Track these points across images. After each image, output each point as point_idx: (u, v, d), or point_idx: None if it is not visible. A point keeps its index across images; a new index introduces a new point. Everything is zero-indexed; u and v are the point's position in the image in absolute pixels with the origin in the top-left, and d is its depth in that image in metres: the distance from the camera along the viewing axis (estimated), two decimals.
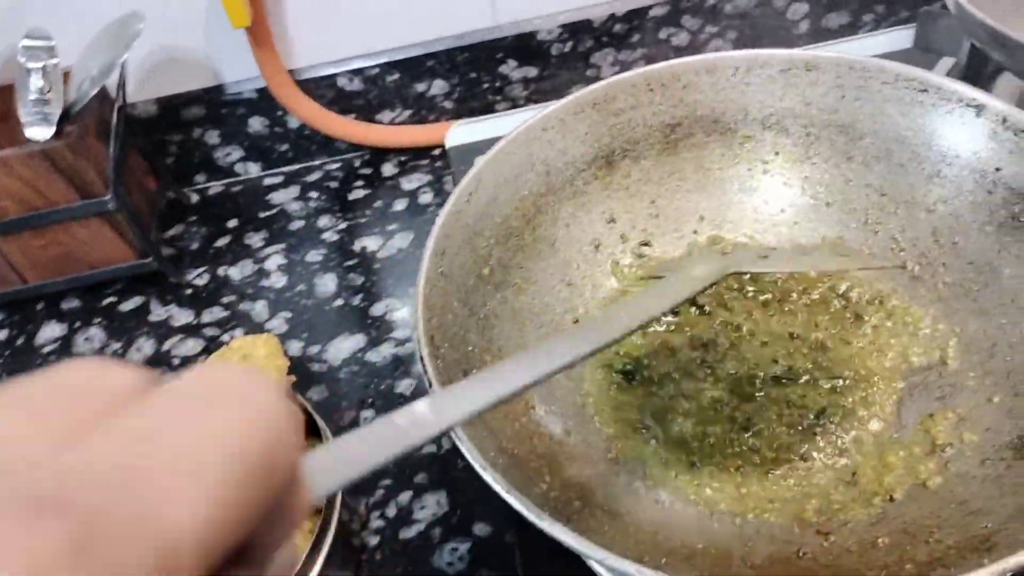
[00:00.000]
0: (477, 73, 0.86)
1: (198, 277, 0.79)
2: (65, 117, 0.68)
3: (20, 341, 0.75)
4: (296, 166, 0.89)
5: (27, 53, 0.68)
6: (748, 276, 0.59)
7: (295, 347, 0.71)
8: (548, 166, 0.58)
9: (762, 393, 0.53)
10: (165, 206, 0.84)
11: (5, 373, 0.74)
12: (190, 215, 0.86)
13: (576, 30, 0.85)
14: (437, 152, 0.87)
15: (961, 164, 0.53)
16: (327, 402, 0.66)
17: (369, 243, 0.79)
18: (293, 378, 0.60)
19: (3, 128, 0.73)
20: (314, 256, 0.79)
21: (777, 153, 0.60)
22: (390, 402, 0.65)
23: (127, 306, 0.77)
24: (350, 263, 0.77)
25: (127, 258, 0.76)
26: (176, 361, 0.71)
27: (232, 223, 0.84)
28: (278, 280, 0.77)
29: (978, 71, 0.73)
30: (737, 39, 0.88)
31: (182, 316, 0.75)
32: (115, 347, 0.73)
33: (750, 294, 0.58)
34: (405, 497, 0.59)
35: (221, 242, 0.82)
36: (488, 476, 0.39)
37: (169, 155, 0.87)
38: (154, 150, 0.85)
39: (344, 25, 0.82)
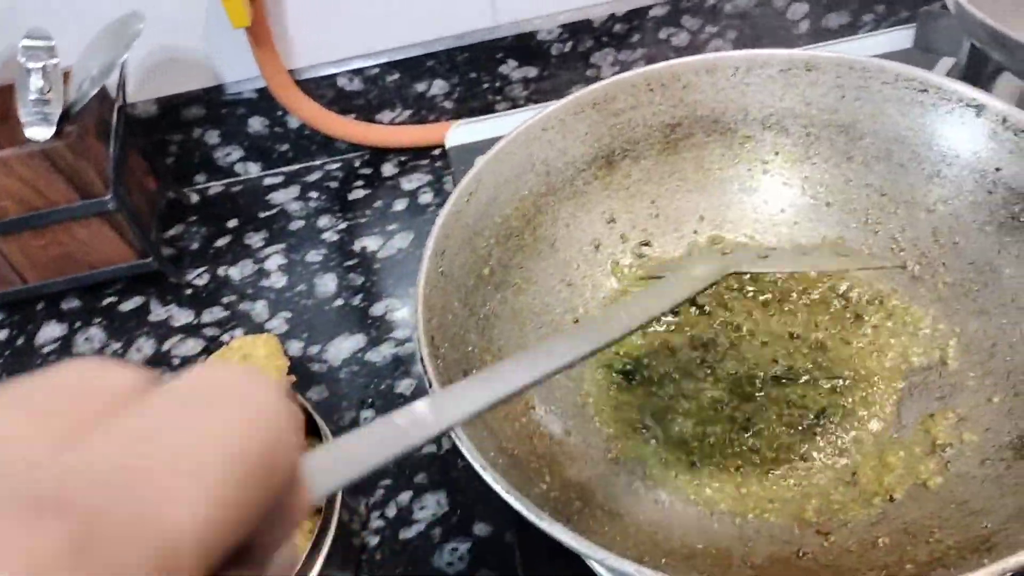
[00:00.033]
0: (477, 73, 0.86)
1: (198, 277, 0.79)
2: (65, 117, 0.68)
3: (20, 341, 0.75)
4: (296, 166, 0.89)
5: (27, 53, 0.68)
6: (748, 276, 0.59)
7: (295, 347, 0.71)
8: (548, 166, 0.58)
9: (762, 393, 0.53)
10: (165, 206, 0.84)
11: (5, 373, 0.74)
12: (190, 215, 0.86)
13: (576, 30, 0.85)
14: (437, 152, 0.87)
15: (961, 164, 0.53)
16: (327, 402, 0.66)
17: (369, 243, 0.79)
18: (293, 378, 0.60)
19: (3, 128, 0.73)
20: (314, 256, 0.79)
21: (777, 153, 0.60)
22: (390, 402, 0.66)
23: (127, 306, 0.77)
24: (350, 263, 0.77)
25: (127, 258, 0.76)
26: (176, 361, 0.71)
27: (232, 223, 0.84)
28: (278, 280, 0.77)
29: (978, 71, 0.73)
30: (737, 39, 0.88)
31: (182, 316, 0.75)
32: (115, 347, 0.73)
33: (750, 294, 0.58)
34: (405, 497, 0.59)
35: (221, 242, 0.82)
36: (488, 476, 0.39)
37: (169, 155, 0.87)
38: (154, 150, 0.85)
39: (344, 25, 0.82)
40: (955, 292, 0.53)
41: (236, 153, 0.88)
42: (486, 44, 0.84)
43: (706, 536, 0.46)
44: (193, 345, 0.73)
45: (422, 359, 0.45)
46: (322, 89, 0.85)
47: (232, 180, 0.89)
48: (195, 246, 0.82)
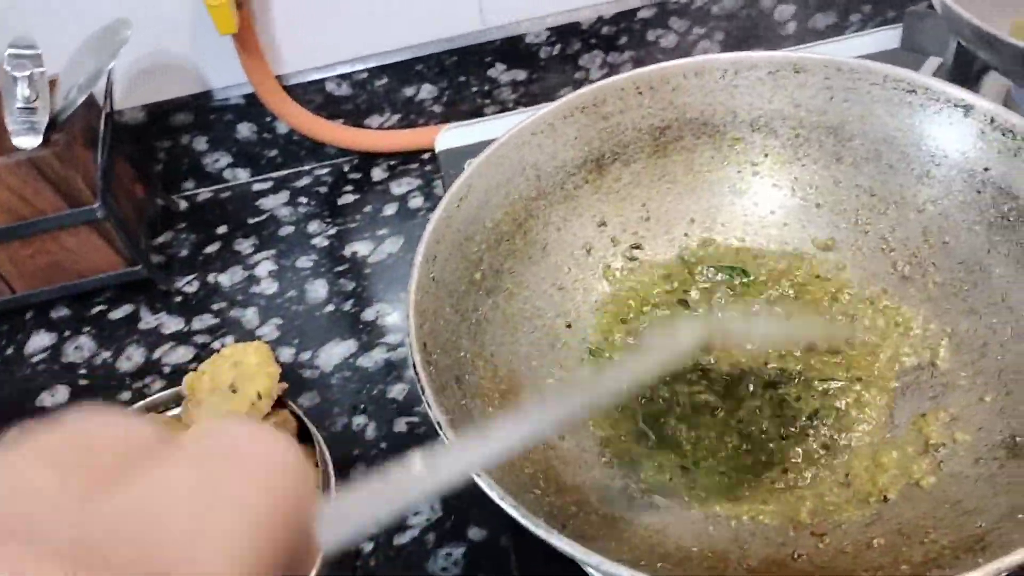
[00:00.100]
0: (466, 77, 0.86)
1: (188, 284, 0.78)
2: (52, 125, 0.68)
3: (10, 351, 0.75)
4: (285, 171, 0.89)
5: (13, 62, 0.67)
6: (740, 282, 0.59)
7: (286, 353, 0.70)
8: (538, 170, 0.58)
9: (755, 396, 0.53)
10: (154, 213, 0.84)
11: None
12: (179, 222, 0.85)
13: (564, 33, 0.85)
14: (427, 156, 0.87)
15: (950, 164, 0.53)
16: (319, 408, 0.66)
17: (359, 248, 0.79)
18: (285, 385, 0.59)
19: None
20: (304, 262, 0.79)
21: (766, 155, 0.60)
22: (382, 407, 0.65)
23: (116, 314, 0.76)
24: (340, 268, 0.77)
25: (116, 266, 0.75)
26: (167, 369, 0.71)
27: (221, 230, 0.83)
28: (268, 286, 0.77)
29: (965, 71, 0.74)
30: (724, 41, 0.89)
31: (172, 324, 0.75)
32: (104, 356, 0.73)
33: (742, 297, 0.58)
34: None
35: (210, 249, 0.82)
36: (482, 483, 0.38)
37: (157, 162, 0.86)
38: (142, 157, 0.84)
39: (331, 30, 0.81)
40: (945, 292, 0.54)
41: (224, 159, 0.87)
42: (474, 48, 0.84)
43: (701, 539, 0.46)
44: (183, 353, 0.72)
45: (414, 365, 0.45)
46: (310, 94, 0.84)
47: (221, 186, 0.89)
48: (184, 253, 0.82)
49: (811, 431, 0.51)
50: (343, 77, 0.84)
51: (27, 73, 0.67)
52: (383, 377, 0.68)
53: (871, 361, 0.54)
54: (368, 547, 0.57)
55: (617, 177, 0.60)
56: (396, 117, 0.88)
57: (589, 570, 0.47)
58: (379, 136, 0.87)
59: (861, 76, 0.55)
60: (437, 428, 0.42)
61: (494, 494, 0.38)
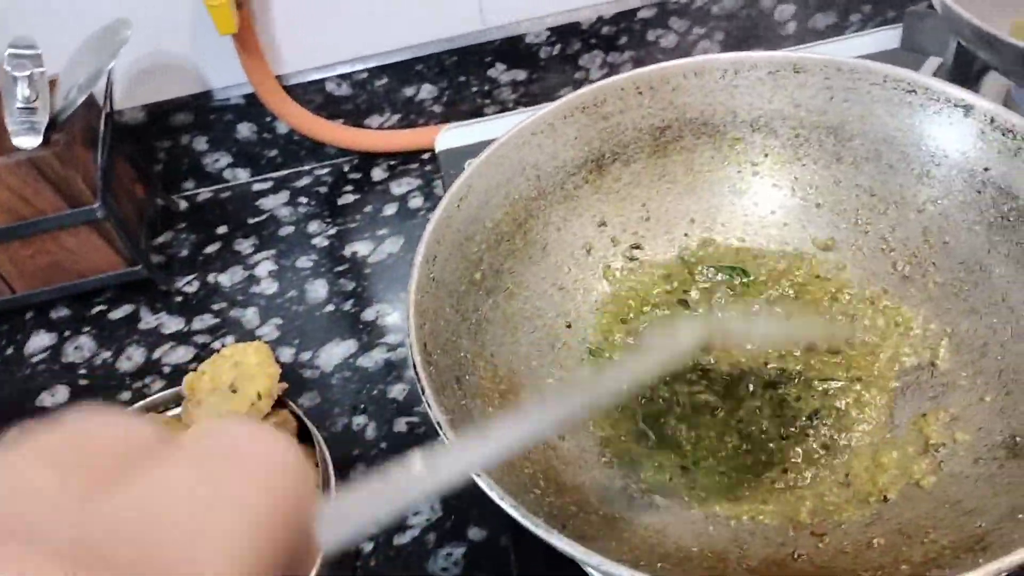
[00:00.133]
0: (466, 77, 0.86)
1: (188, 284, 0.78)
2: (52, 125, 0.68)
3: (10, 351, 0.75)
4: (285, 171, 0.89)
5: (13, 62, 0.67)
6: (740, 282, 0.59)
7: (286, 353, 0.70)
8: (538, 170, 0.58)
9: (755, 396, 0.53)
10: (154, 213, 0.84)
11: None
12: (179, 222, 0.85)
13: (564, 33, 0.85)
14: (427, 156, 0.87)
15: (950, 164, 0.53)
16: (319, 408, 0.66)
17: (360, 248, 0.79)
18: (285, 385, 0.59)
19: None
20: (304, 262, 0.79)
21: (766, 155, 0.60)
22: (382, 407, 0.65)
23: (117, 314, 0.77)
24: (341, 268, 0.77)
25: (116, 266, 0.75)
26: (167, 369, 0.71)
27: (221, 230, 0.83)
28: (268, 286, 0.77)
29: (965, 70, 0.74)
30: (724, 41, 0.89)
31: (172, 324, 0.75)
32: (105, 356, 0.73)
33: (742, 297, 0.58)
34: None
35: (210, 249, 0.82)
36: (482, 483, 0.38)
37: (157, 162, 0.86)
38: (142, 157, 0.84)
39: (332, 30, 0.81)
40: (945, 292, 0.54)
41: (224, 159, 0.87)
42: (474, 48, 0.84)
43: (701, 539, 0.46)
44: (184, 353, 0.72)
45: (415, 365, 0.45)
46: (310, 94, 0.84)
47: (221, 186, 0.89)
48: (184, 253, 0.82)
49: (811, 431, 0.51)
50: (343, 77, 0.84)
51: (27, 73, 0.67)
52: (383, 377, 0.68)
53: (871, 361, 0.54)
54: (368, 547, 0.57)
55: (617, 177, 0.60)
56: (396, 117, 0.88)
57: (589, 570, 0.47)
58: (379, 136, 0.87)
59: (861, 76, 0.55)
60: (437, 428, 0.42)
61: (494, 494, 0.38)
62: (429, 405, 0.43)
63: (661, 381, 0.54)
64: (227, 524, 0.16)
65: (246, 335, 0.73)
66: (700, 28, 0.87)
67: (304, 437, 0.59)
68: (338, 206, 0.84)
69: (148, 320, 0.76)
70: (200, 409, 0.58)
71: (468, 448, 0.29)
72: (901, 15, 0.79)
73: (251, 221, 0.84)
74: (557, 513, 0.44)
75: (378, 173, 0.86)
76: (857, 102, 0.56)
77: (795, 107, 0.58)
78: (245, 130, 0.86)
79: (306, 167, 0.89)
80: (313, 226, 0.82)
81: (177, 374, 0.70)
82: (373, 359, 0.69)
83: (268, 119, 0.85)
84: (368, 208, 0.83)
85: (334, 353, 0.70)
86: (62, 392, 0.71)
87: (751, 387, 0.53)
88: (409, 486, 0.25)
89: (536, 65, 0.86)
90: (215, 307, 0.76)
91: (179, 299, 0.77)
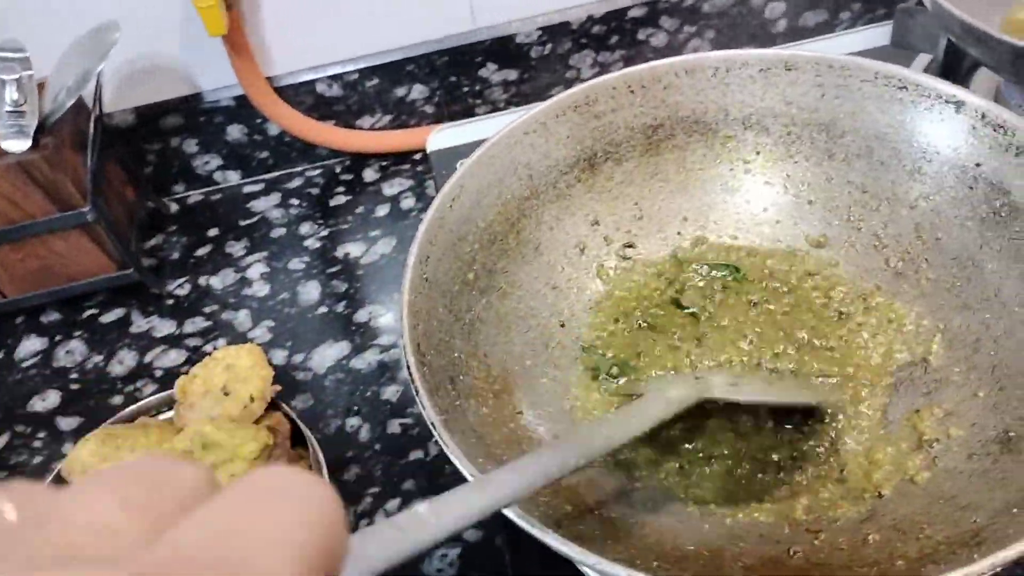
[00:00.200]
0: (457, 77, 0.86)
1: (179, 287, 0.78)
2: (41, 129, 0.68)
3: (0, 356, 0.75)
4: (276, 173, 0.89)
5: (1, 65, 0.67)
6: (732, 278, 0.59)
7: (279, 356, 0.70)
8: (531, 170, 0.57)
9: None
10: (144, 216, 0.83)
11: None
12: (170, 225, 0.85)
13: (555, 32, 0.85)
14: (418, 156, 0.86)
15: (941, 160, 0.53)
16: (312, 410, 0.66)
17: (352, 249, 0.79)
18: (278, 387, 0.59)
19: None
20: (296, 264, 0.78)
21: (758, 152, 0.60)
22: (376, 409, 0.65)
23: (108, 318, 0.76)
24: (333, 270, 0.77)
25: (107, 270, 0.75)
26: (159, 372, 0.71)
27: (213, 232, 0.83)
28: (260, 288, 0.77)
29: (955, 67, 0.74)
30: (715, 39, 0.89)
31: (164, 327, 0.75)
32: (96, 359, 0.73)
33: (735, 295, 0.58)
34: (393, 505, 0.59)
35: (202, 251, 0.81)
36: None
37: (148, 165, 0.86)
38: (132, 160, 0.84)
39: (322, 31, 0.81)
40: (938, 288, 0.54)
41: (215, 161, 0.87)
42: (465, 48, 0.84)
43: (697, 537, 0.46)
44: (175, 356, 0.72)
45: (409, 366, 0.44)
46: (301, 96, 0.84)
47: (212, 189, 0.88)
48: (175, 256, 0.81)
49: (805, 428, 0.51)
50: (334, 78, 0.84)
51: (15, 76, 0.67)
52: (376, 379, 0.67)
53: (865, 358, 0.54)
54: None
55: (609, 176, 0.60)
56: (387, 118, 0.87)
57: (585, 570, 0.46)
58: (370, 137, 0.87)
59: (852, 73, 0.56)
60: (431, 429, 0.42)
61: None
62: (423, 406, 0.43)
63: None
64: (280, 560, 0.17)
65: (238, 338, 0.72)
66: (691, 27, 0.87)
67: (297, 439, 0.58)
68: (330, 207, 0.83)
69: (139, 323, 0.75)
70: (193, 412, 0.58)
71: (473, 495, 0.30)
72: (891, 12, 0.80)
73: (242, 223, 0.84)
74: (552, 513, 0.44)
75: (370, 174, 0.86)
76: (848, 99, 0.56)
77: (786, 104, 0.58)
78: (236, 132, 0.86)
79: (297, 168, 0.89)
80: (305, 228, 0.82)
81: (169, 377, 0.70)
82: (366, 360, 0.69)
83: (259, 121, 0.85)
84: (360, 209, 0.83)
85: (327, 355, 0.70)
86: (53, 397, 0.70)
87: None
88: (423, 532, 0.26)
89: (527, 65, 0.86)
90: (207, 310, 0.75)
91: (170, 302, 0.77)
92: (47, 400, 0.70)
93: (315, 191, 0.86)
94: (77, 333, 0.75)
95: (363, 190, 0.85)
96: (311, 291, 0.75)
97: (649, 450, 0.51)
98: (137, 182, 0.82)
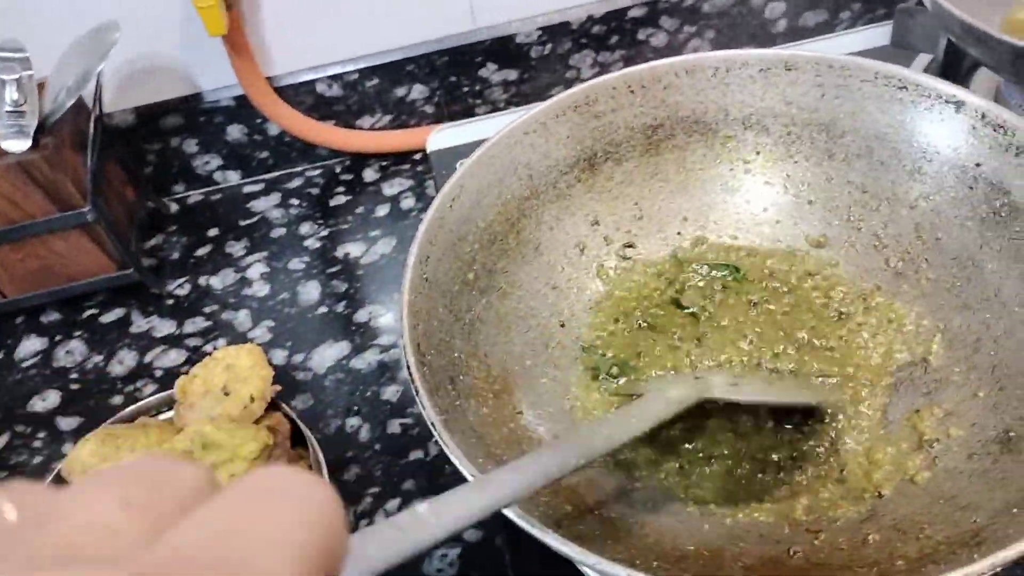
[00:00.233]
0: (457, 77, 0.86)
1: (179, 287, 0.78)
2: (41, 129, 0.68)
3: (0, 356, 0.75)
4: (276, 173, 0.89)
5: (1, 65, 0.67)
6: (732, 278, 0.59)
7: (279, 356, 0.70)
8: (531, 170, 0.57)
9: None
10: (144, 216, 0.83)
11: None
12: (170, 225, 0.85)
13: (555, 32, 0.85)
14: (418, 156, 0.86)
15: (941, 160, 0.53)
16: (312, 410, 0.66)
17: (352, 249, 0.79)
18: (278, 387, 0.59)
19: None
20: (296, 264, 0.78)
21: (758, 152, 0.60)
22: (376, 409, 0.65)
23: (108, 318, 0.76)
24: (333, 270, 0.77)
25: (107, 269, 0.75)
26: (159, 372, 0.71)
27: (213, 232, 0.83)
28: (260, 289, 0.77)
29: (955, 67, 0.74)
30: (715, 39, 0.89)
31: (164, 327, 0.75)
32: (96, 360, 0.73)
33: (735, 295, 0.58)
34: (393, 505, 0.59)
35: (202, 251, 0.81)
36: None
37: (148, 165, 0.86)
38: (132, 160, 0.84)
39: (322, 31, 0.81)
40: (938, 288, 0.54)
41: (215, 161, 0.87)
42: (465, 48, 0.84)
43: (697, 537, 0.46)
44: (175, 356, 0.72)
45: (409, 366, 0.44)
46: (301, 96, 0.84)
47: (212, 188, 0.88)
48: (175, 256, 0.81)
49: (805, 428, 0.51)
50: (334, 78, 0.84)
51: (15, 76, 0.67)
52: (376, 379, 0.67)
53: (865, 358, 0.54)
54: None
55: (609, 176, 0.60)
56: (387, 118, 0.87)
57: (585, 570, 0.46)
58: (371, 137, 0.87)
59: (852, 73, 0.55)
60: (431, 429, 0.42)
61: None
62: (423, 406, 0.43)
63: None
64: (280, 559, 0.18)
65: (238, 338, 0.72)
66: (691, 27, 0.87)
67: (297, 439, 0.58)
68: (330, 207, 0.83)
69: (139, 323, 0.75)
70: (193, 412, 0.58)
71: (474, 495, 0.30)
72: (891, 12, 0.80)
73: (242, 223, 0.84)
74: (552, 513, 0.44)
75: (370, 174, 0.86)
76: (848, 99, 0.56)
77: (786, 104, 0.58)
78: (236, 132, 0.86)
79: (297, 168, 0.89)
80: (305, 228, 0.82)
81: (169, 377, 0.70)
82: (366, 360, 0.69)
83: (259, 121, 0.85)
84: (360, 209, 0.83)
85: (327, 355, 0.70)
86: (53, 397, 0.70)
87: None
88: (422, 532, 0.26)
89: (527, 65, 0.86)
90: (207, 310, 0.75)
91: (170, 302, 0.77)
92: (47, 400, 0.70)
93: (315, 191, 0.86)
94: (77, 333, 0.75)
95: (363, 190, 0.85)
96: (311, 291, 0.75)
97: (649, 450, 0.51)
98: (137, 182, 0.82)
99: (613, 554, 0.36)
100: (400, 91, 0.86)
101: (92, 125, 0.73)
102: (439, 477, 0.60)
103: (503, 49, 0.85)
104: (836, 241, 0.59)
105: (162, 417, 0.62)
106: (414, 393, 0.44)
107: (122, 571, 0.16)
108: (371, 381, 0.67)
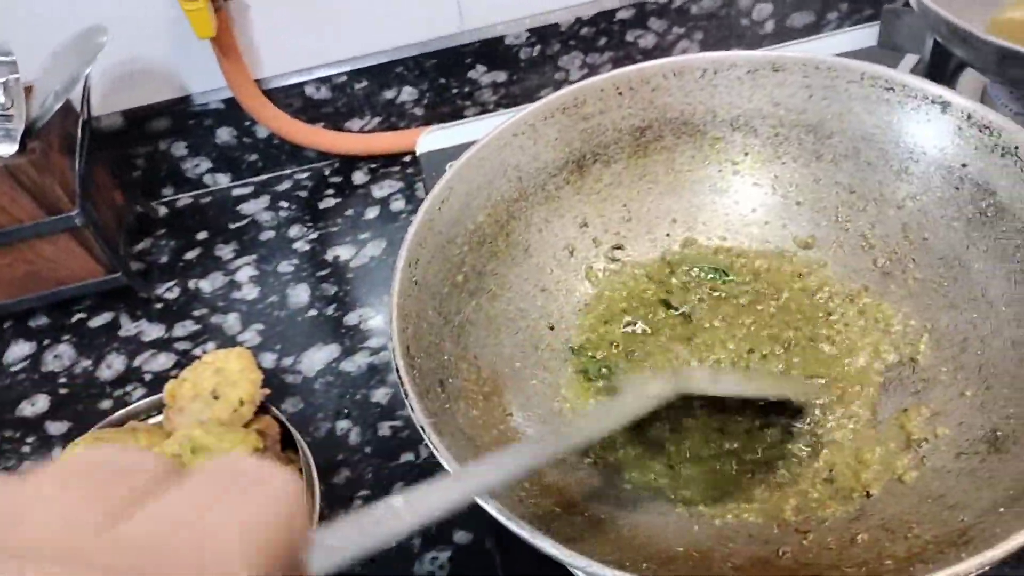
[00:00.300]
0: (446, 79, 0.86)
1: (168, 291, 0.78)
2: (28, 133, 0.67)
3: None
4: (265, 176, 0.89)
5: None
6: (722, 281, 0.59)
7: (269, 359, 0.70)
8: (520, 171, 0.58)
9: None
10: (133, 220, 0.83)
11: None
12: (158, 228, 0.85)
13: (543, 34, 0.85)
14: (408, 159, 0.86)
15: (928, 161, 0.54)
16: (302, 413, 0.66)
17: (341, 252, 0.78)
18: (268, 391, 0.59)
19: None
20: (286, 267, 0.78)
21: (747, 154, 0.60)
22: (366, 411, 0.65)
23: (96, 322, 0.76)
24: (322, 273, 0.77)
25: (95, 274, 0.75)
26: (148, 377, 0.71)
27: (201, 235, 0.83)
28: (250, 292, 0.76)
29: (941, 68, 0.74)
30: (703, 40, 0.89)
31: (153, 331, 0.74)
32: (85, 364, 0.72)
33: (724, 296, 0.59)
34: None
35: (191, 255, 0.81)
36: (478, 499, 0.38)
37: (136, 168, 0.86)
38: (121, 164, 0.84)
39: (310, 33, 0.81)
40: (925, 288, 0.54)
41: (204, 164, 0.87)
42: (454, 50, 0.84)
43: (686, 538, 0.46)
44: (165, 360, 0.72)
45: (398, 369, 0.44)
46: (290, 98, 0.84)
47: (201, 192, 0.88)
48: (164, 260, 0.81)
49: (794, 429, 0.51)
50: (323, 80, 0.84)
51: (2, 80, 0.66)
52: (366, 381, 0.67)
53: (853, 358, 0.54)
54: None
55: (598, 178, 0.60)
56: (376, 120, 0.87)
57: (575, 572, 0.47)
58: (360, 139, 0.86)
59: (839, 74, 0.56)
60: (421, 432, 0.42)
61: (480, 498, 0.38)
62: (412, 409, 0.43)
63: None
64: (234, 548, 0.18)
65: (228, 341, 0.72)
66: (679, 28, 0.87)
67: (287, 443, 0.58)
68: (319, 210, 0.83)
69: (128, 328, 0.75)
70: (182, 416, 0.58)
71: (448, 486, 0.31)
72: (878, 13, 0.80)
73: (231, 226, 0.83)
74: (542, 515, 0.44)
75: (359, 176, 0.86)
76: (835, 100, 0.56)
77: (774, 106, 0.58)
78: (224, 135, 0.86)
79: (287, 171, 0.88)
80: (294, 230, 0.82)
81: (158, 381, 0.70)
82: (356, 363, 0.69)
83: (248, 123, 0.85)
84: (350, 212, 0.82)
85: (316, 358, 0.70)
86: (42, 401, 0.70)
87: None
88: (394, 522, 0.27)
89: (516, 66, 0.86)
90: (196, 313, 0.75)
91: (159, 306, 0.76)
92: (36, 405, 0.70)
93: (304, 194, 0.86)
94: (66, 337, 0.75)
95: (352, 192, 0.85)
96: (301, 294, 0.75)
97: (637, 451, 0.51)
98: (125, 186, 0.82)
99: (603, 556, 0.36)
100: (389, 93, 0.86)
101: (80, 129, 0.72)
102: (429, 479, 0.60)
103: (492, 51, 0.85)
104: (824, 242, 0.59)
105: (151, 421, 0.61)
106: (403, 396, 0.44)
107: (77, 563, 0.16)
108: (361, 384, 0.67)
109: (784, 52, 0.58)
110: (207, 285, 0.78)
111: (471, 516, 0.57)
